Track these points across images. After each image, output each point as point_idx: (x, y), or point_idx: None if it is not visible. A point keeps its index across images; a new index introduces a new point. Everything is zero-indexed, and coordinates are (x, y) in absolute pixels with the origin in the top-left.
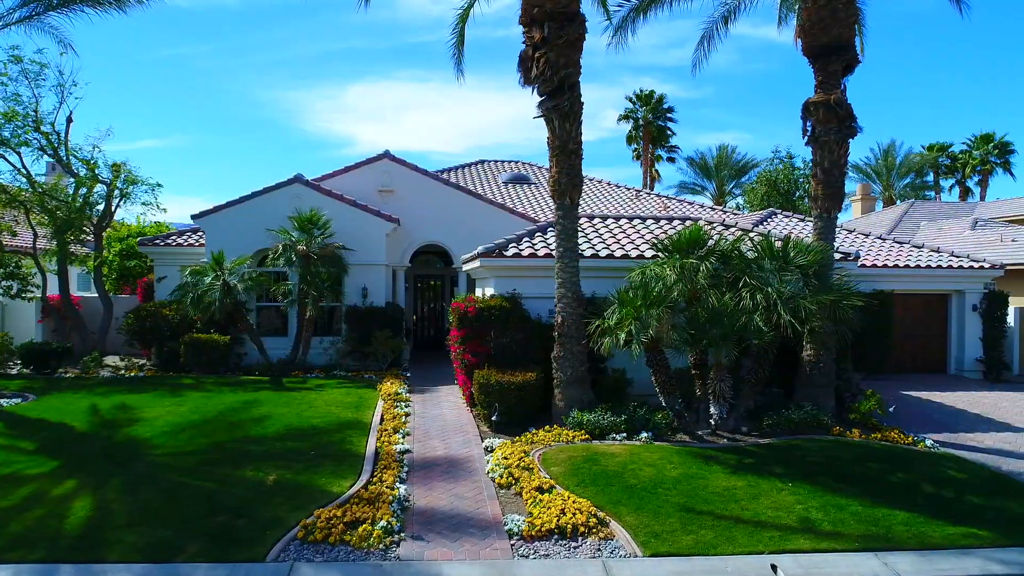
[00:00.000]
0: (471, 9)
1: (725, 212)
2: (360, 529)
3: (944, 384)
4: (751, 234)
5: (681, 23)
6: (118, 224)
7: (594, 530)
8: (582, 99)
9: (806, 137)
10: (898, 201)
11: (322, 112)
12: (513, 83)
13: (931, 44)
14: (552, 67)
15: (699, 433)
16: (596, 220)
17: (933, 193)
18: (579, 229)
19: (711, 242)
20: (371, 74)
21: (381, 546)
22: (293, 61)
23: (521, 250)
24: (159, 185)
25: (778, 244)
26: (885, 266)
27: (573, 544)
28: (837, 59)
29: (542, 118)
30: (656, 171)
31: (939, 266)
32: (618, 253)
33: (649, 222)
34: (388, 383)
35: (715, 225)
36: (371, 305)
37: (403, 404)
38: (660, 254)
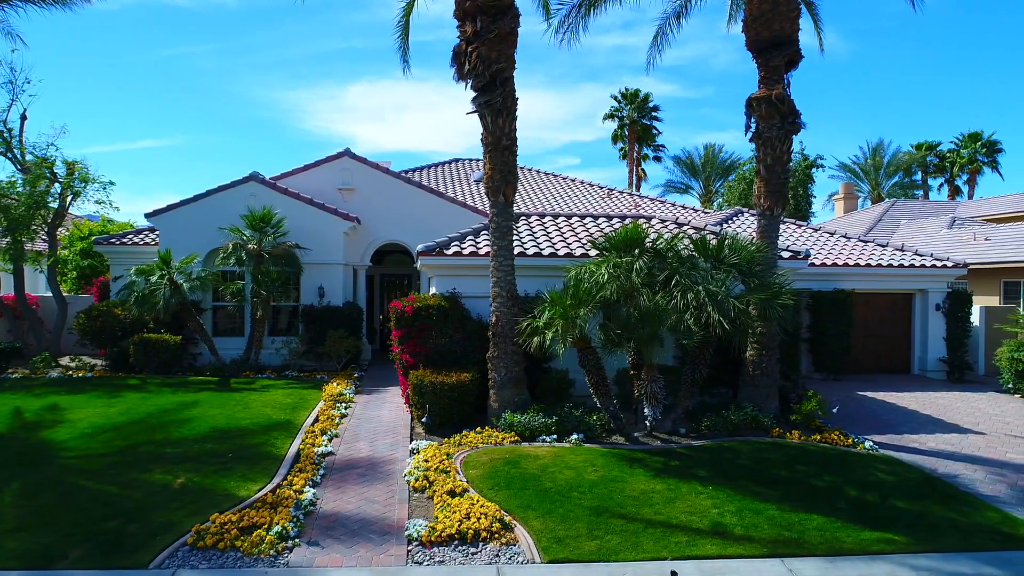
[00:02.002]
0: (414, 3)
1: (696, 211)
2: (253, 534)
3: (904, 385)
4: (704, 232)
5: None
6: (80, 223)
7: (497, 535)
8: (516, 94)
9: (749, 133)
10: (887, 200)
11: (322, 112)
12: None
13: (921, 43)
14: (484, 62)
15: (635, 435)
16: (547, 218)
17: (921, 192)
18: (528, 226)
19: (651, 240)
20: (371, 74)
21: (272, 552)
22: (293, 61)
23: (462, 248)
24: (111, 183)
25: (714, 242)
26: (846, 265)
27: (472, 550)
28: (779, 54)
29: (476, 114)
30: (642, 170)
31: (901, 265)
32: (561, 251)
33: (600, 220)
34: (335, 384)
35: (667, 223)
36: (328, 305)
37: (343, 405)
38: (604, 253)
